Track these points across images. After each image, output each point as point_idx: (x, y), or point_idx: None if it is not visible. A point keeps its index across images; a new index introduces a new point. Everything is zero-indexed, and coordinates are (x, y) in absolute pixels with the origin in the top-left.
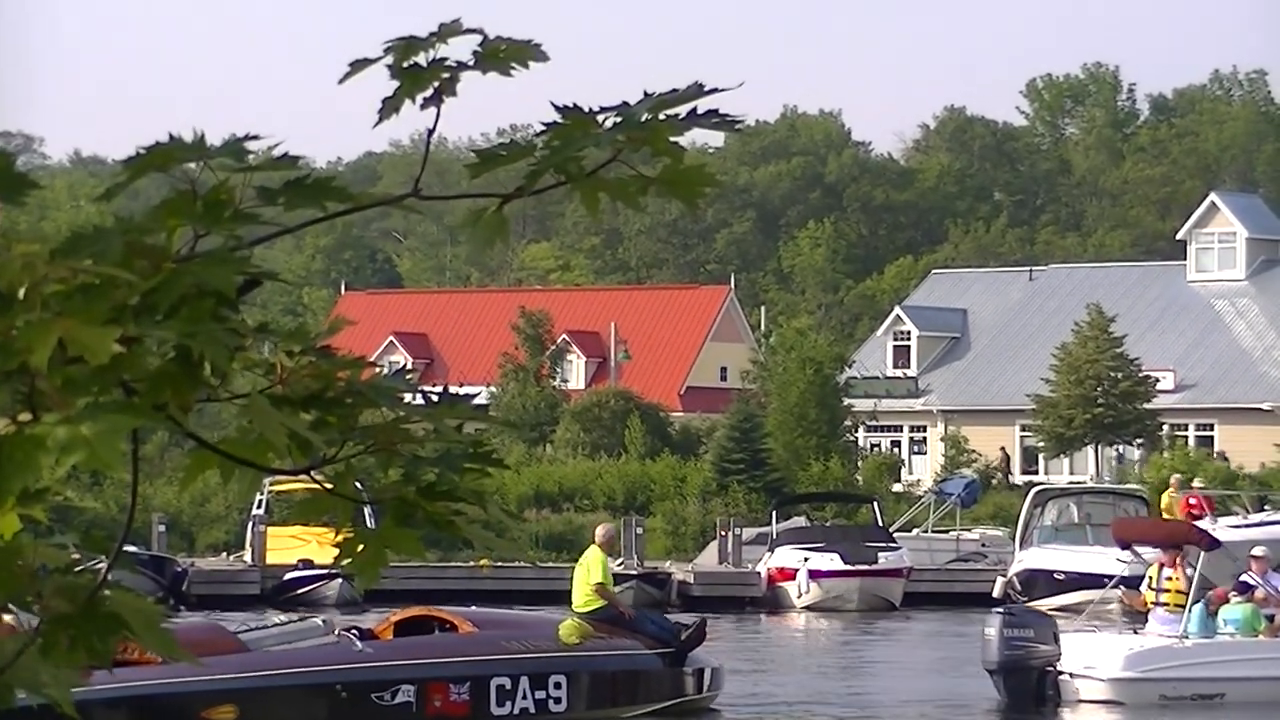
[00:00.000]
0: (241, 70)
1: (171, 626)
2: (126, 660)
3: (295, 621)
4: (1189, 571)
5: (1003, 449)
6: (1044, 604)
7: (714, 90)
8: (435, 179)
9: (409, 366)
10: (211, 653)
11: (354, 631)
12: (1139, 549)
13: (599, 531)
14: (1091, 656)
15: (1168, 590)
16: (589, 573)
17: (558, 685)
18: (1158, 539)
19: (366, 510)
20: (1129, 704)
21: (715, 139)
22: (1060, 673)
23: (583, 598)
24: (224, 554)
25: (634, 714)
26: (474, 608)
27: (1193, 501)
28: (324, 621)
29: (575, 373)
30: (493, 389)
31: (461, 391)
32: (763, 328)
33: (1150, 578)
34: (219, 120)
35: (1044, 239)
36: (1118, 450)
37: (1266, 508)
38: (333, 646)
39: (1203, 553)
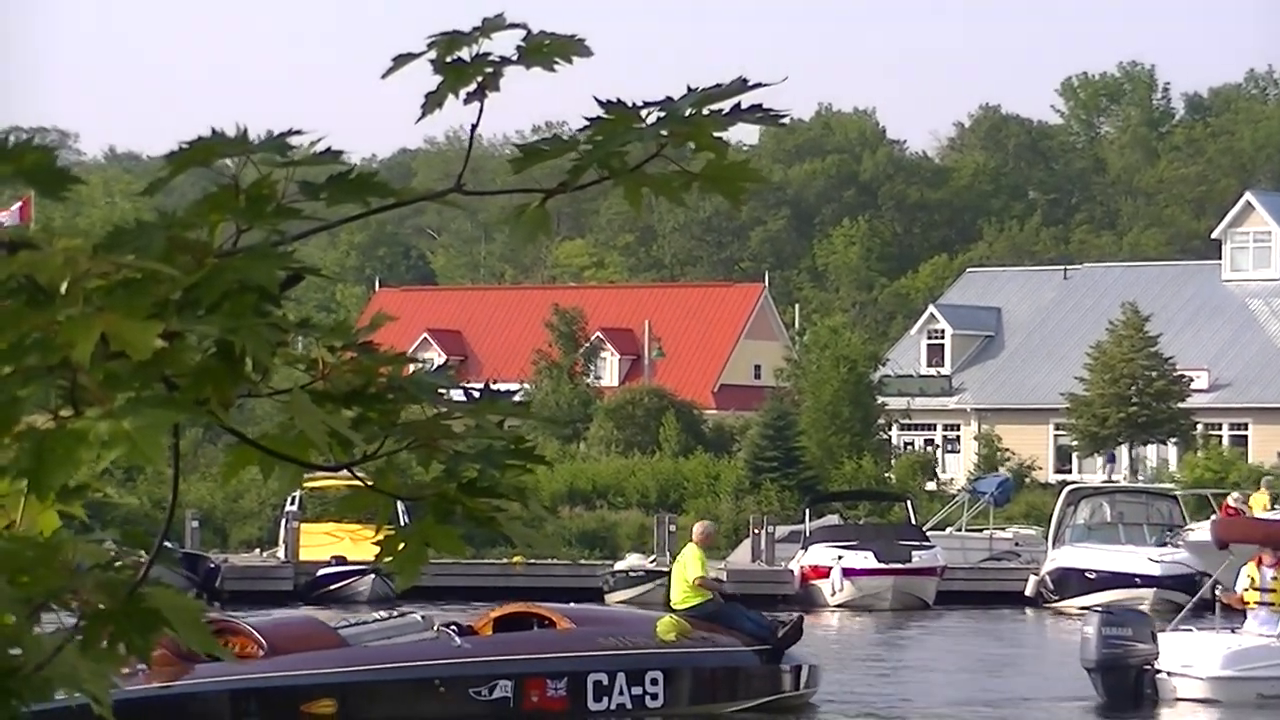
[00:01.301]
0: (274, 67)
1: (277, 620)
2: None
3: (395, 617)
4: None
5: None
6: (1075, 603)
7: (757, 85)
8: (469, 175)
9: (452, 364)
10: (312, 647)
11: (453, 627)
12: (1238, 547)
13: (697, 529)
14: (1189, 655)
15: (1273, 590)
16: (687, 569)
17: (654, 681)
18: (1260, 538)
19: (400, 507)
20: (1226, 702)
21: (749, 136)
22: (1158, 671)
23: (680, 595)
24: (257, 550)
25: (731, 710)
26: (573, 604)
27: None
28: (423, 617)
29: (609, 370)
30: (526, 386)
31: (501, 388)
32: (796, 326)
33: (1251, 578)
34: (253, 117)
35: (1078, 238)
36: (1134, 452)
37: None
38: (431, 642)
39: None
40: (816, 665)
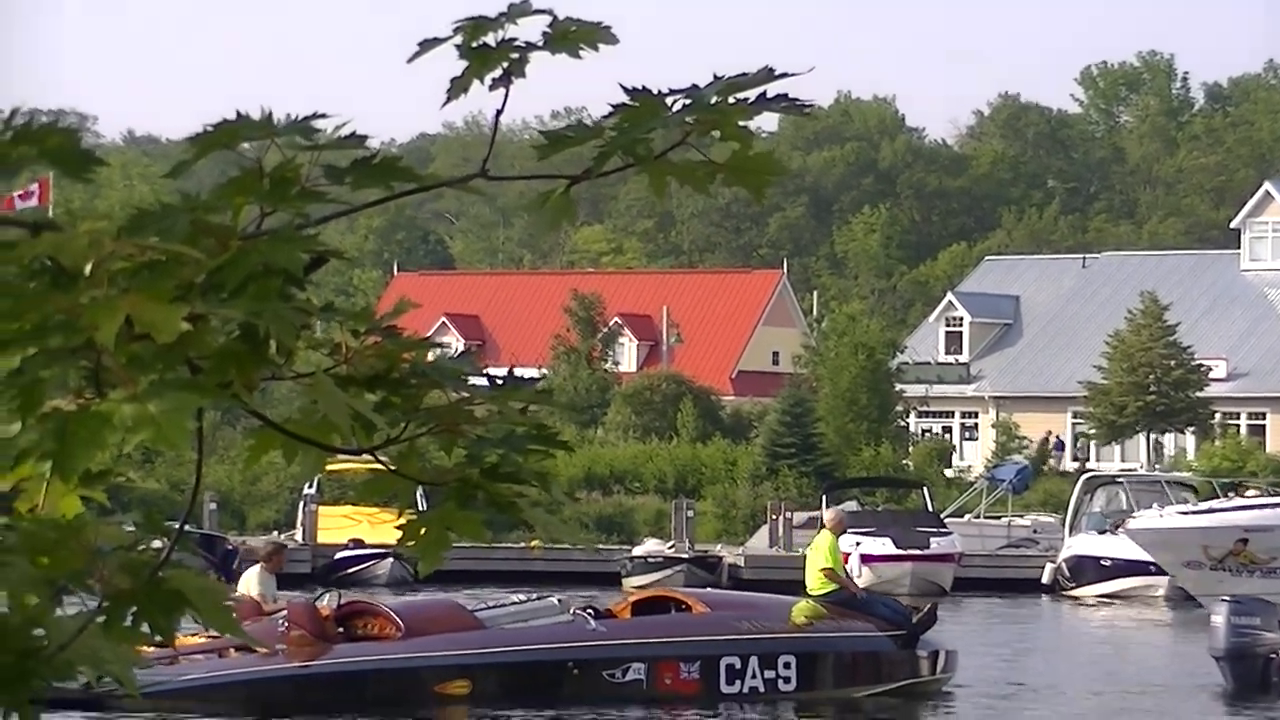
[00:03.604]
0: (291, 51)
1: (416, 602)
2: (367, 636)
3: (532, 600)
4: None
5: (1049, 433)
6: (1091, 590)
7: (784, 75)
8: (490, 160)
9: (471, 349)
10: (448, 629)
11: (589, 611)
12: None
13: (828, 515)
14: None
15: None
16: (818, 557)
17: (787, 665)
18: None
19: (419, 492)
20: None
21: (768, 123)
22: None
23: (815, 580)
24: (275, 532)
25: (867, 694)
26: (710, 589)
27: None
28: (559, 600)
29: (627, 356)
30: (545, 371)
31: (523, 374)
32: (815, 312)
33: None
34: (271, 101)
35: (1097, 226)
36: (1151, 439)
37: None
38: (566, 625)
39: None
40: (954, 651)
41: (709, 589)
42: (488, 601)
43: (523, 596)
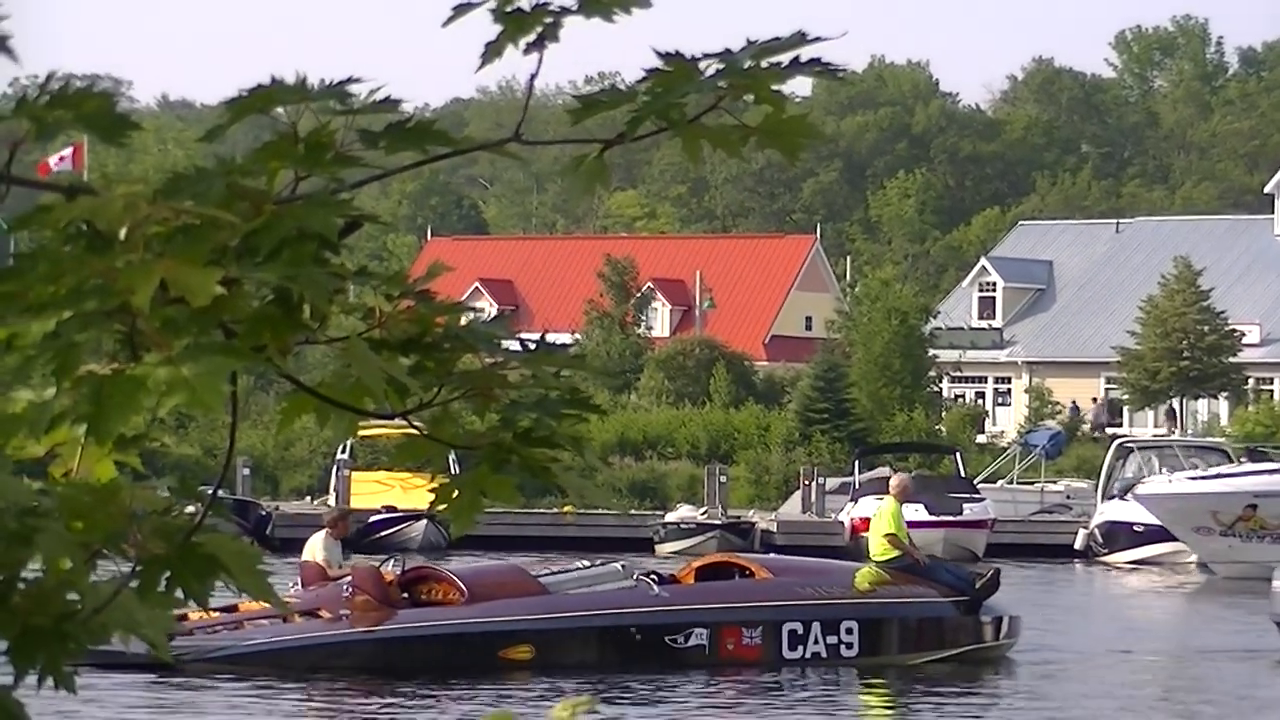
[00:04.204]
0: (325, 15)
1: (480, 567)
2: (431, 601)
3: (596, 566)
4: None
5: (1074, 402)
6: (1123, 556)
7: (817, 39)
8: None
9: (505, 313)
10: (513, 595)
11: (653, 576)
12: None
13: (893, 481)
14: None
15: None
16: (882, 523)
17: (849, 631)
18: None
19: (451, 457)
20: None
21: (802, 88)
22: None
23: (879, 547)
24: (307, 498)
25: (930, 660)
26: (773, 555)
27: None
28: (623, 566)
29: (660, 321)
30: (578, 336)
31: (557, 340)
32: (848, 278)
33: None
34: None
35: (1130, 191)
36: (1170, 406)
37: None
38: (630, 590)
39: None
40: (1017, 616)
41: (773, 554)
42: (552, 567)
43: (586, 562)
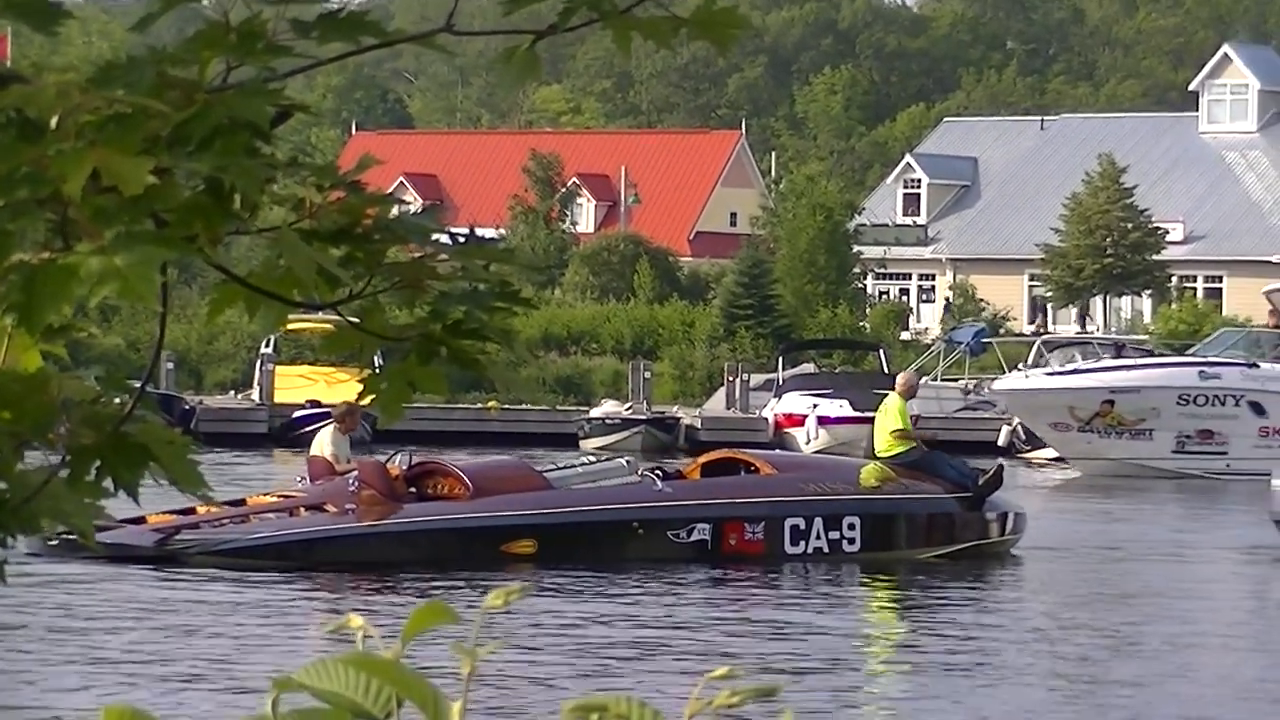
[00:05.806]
0: None
1: (485, 462)
2: (436, 495)
3: (601, 461)
4: None
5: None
6: (1046, 453)
7: None
8: (453, 16)
9: (434, 206)
10: (516, 490)
11: (657, 472)
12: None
13: (900, 379)
14: None
15: None
16: (888, 419)
17: (851, 526)
18: None
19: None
20: None
21: None
22: None
23: (884, 443)
24: (231, 392)
25: (934, 555)
26: (779, 451)
27: None
28: (628, 461)
29: (585, 216)
30: (502, 231)
31: (483, 234)
32: (773, 174)
33: None
34: None
35: (1055, 88)
36: (1081, 309)
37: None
38: (633, 485)
39: None
40: (1022, 513)
41: (779, 451)
42: (557, 462)
43: (592, 457)
